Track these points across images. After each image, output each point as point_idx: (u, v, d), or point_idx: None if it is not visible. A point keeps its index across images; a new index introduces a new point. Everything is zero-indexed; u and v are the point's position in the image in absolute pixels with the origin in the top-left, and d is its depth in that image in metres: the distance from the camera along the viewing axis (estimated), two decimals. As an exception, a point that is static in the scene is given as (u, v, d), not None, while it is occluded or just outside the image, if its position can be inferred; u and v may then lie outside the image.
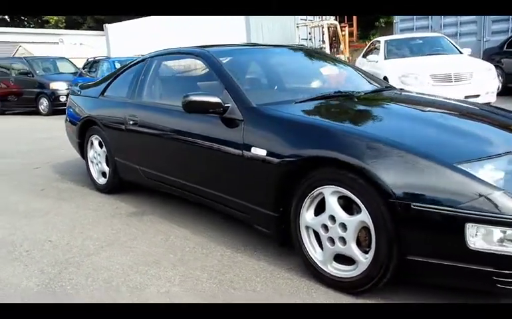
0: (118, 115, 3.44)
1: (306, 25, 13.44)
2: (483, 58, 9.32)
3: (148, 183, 3.33)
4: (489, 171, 1.78)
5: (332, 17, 14.94)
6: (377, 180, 1.83)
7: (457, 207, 1.69)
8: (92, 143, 3.92)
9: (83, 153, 4.09)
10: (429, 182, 1.77)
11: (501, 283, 1.71)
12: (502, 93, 8.98)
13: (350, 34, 14.26)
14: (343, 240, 2.00)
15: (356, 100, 2.66)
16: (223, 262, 2.43)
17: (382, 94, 2.99)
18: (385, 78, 8.17)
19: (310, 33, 14.13)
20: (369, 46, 10.34)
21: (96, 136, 3.80)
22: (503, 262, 1.68)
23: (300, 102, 2.55)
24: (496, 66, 8.28)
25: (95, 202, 3.61)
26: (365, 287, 1.96)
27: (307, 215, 2.14)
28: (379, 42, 9.51)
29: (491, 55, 10.00)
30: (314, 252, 2.15)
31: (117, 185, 3.71)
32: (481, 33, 11.79)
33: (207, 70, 2.93)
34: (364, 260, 1.94)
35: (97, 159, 3.87)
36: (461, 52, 8.43)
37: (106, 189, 3.82)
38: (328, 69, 3.34)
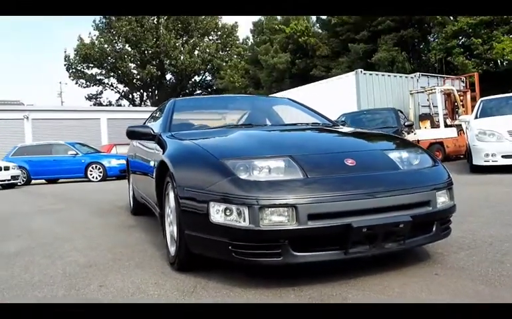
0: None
1: (420, 92, 13.13)
2: None
3: (141, 201, 4.30)
4: (250, 166, 2.15)
5: (448, 83, 14.18)
6: (172, 174, 2.42)
7: (205, 188, 2.15)
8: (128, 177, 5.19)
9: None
10: (200, 172, 2.29)
11: (236, 253, 2.05)
12: None
13: (473, 98, 13.26)
14: (172, 224, 2.57)
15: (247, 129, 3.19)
16: (139, 241, 3.15)
17: (288, 126, 3.40)
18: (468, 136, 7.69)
19: (428, 100, 13.66)
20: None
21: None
22: (233, 233, 2.04)
23: (195, 130, 3.24)
24: None
25: (118, 219, 4.75)
26: (176, 262, 2.46)
27: (166, 208, 2.76)
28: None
29: None
30: (168, 238, 2.72)
31: (136, 207, 4.79)
32: None
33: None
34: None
35: (130, 188, 5.11)
36: None
37: (133, 211, 4.96)
38: (280, 110, 3.91)
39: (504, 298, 1.83)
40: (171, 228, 2.58)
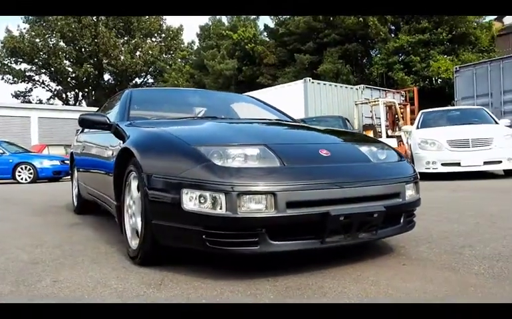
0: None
1: (364, 103, 13.75)
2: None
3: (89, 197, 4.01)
4: (225, 153, 2.05)
5: (390, 96, 15.01)
6: (138, 162, 2.26)
7: (177, 175, 2.03)
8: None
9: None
10: (170, 158, 2.15)
11: (210, 242, 1.95)
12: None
13: (412, 112, 14.19)
14: (135, 215, 2.39)
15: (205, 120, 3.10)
16: (88, 238, 2.91)
17: (259, 119, 3.35)
18: (410, 145, 8.12)
19: (371, 111, 14.32)
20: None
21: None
22: (208, 222, 1.93)
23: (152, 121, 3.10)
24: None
25: (60, 217, 4.40)
26: (139, 255, 2.29)
27: (127, 199, 2.57)
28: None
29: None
30: (128, 232, 2.54)
31: (81, 206, 4.48)
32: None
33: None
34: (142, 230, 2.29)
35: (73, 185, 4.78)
36: (497, 123, 8.00)
37: (77, 210, 4.62)
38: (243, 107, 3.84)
39: (470, 283, 1.90)
40: (133, 220, 2.41)
